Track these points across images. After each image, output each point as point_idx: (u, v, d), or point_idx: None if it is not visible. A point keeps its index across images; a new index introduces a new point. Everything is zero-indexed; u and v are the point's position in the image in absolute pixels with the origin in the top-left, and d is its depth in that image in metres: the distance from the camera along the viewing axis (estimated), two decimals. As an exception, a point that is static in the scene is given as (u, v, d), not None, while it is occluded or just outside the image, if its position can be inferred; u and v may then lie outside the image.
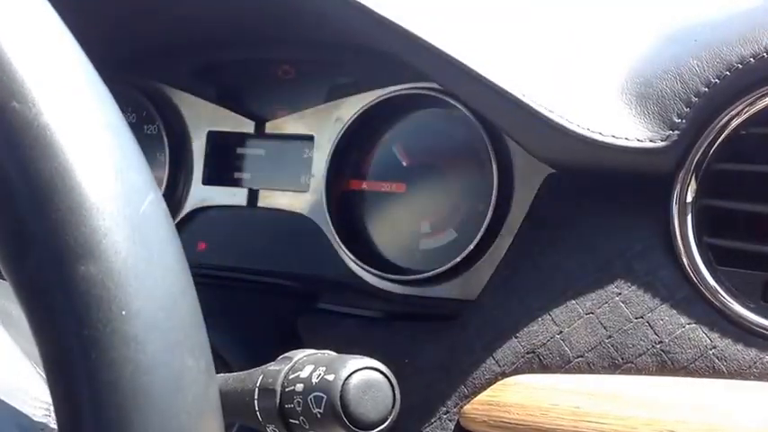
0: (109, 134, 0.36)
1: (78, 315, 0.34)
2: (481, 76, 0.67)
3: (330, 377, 0.53)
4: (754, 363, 0.62)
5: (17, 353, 0.50)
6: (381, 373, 0.54)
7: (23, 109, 0.34)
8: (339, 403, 0.52)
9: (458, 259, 0.80)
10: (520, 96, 0.67)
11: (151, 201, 0.36)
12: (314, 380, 0.53)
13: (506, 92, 0.67)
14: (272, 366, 0.57)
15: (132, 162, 0.36)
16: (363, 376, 0.53)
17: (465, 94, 0.76)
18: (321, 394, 0.53)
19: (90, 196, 0.34)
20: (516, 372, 0.68)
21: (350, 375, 0.53)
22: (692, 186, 0.66)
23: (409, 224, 0.87)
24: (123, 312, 0.34)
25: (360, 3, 0.67)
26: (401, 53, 0.73)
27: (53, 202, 0.34)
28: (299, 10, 0.78)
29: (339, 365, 0.53)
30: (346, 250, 0.86)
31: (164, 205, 0.37)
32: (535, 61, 0.71)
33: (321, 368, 0.54)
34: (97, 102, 0.36)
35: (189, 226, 0.97)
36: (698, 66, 0.65)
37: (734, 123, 0.65)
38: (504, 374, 0.69)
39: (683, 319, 0.64)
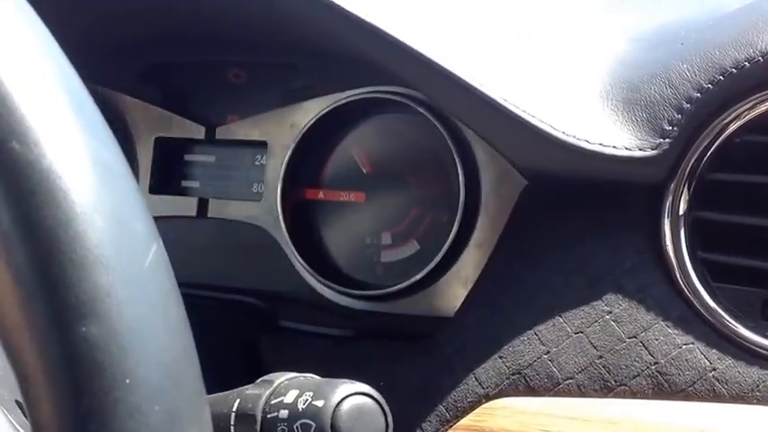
0: (113, 180, 0.32)
1: (78, 382, 0.30)
2: (463, 80, 0.60)
3: (319, 403, 0.48)
4: (757, 386, 0.56)
5: None
6: (373, 398, 0.49)
7: (25, 150, 0.30)
8: (330, 431, 0.47)
9: (422, 273, 0.73)
10: (501, 102, 0.60)
11: (155, 253, 0.32)
12: (300, 406, 0.48)
13: (488, 97, 0.60)
14: (249, 390, 0.51)
15: (136, 211, 0.32)
16: (355, 402, 0.48)
17: (442, 99, 0.69)
18: (309, 422, 0.47)
19: (93, 249, 0.30)
20: (501, 394, 0.61)
21: (340, 401, 0.48)
22: (685, 197, 0.59)
23: (369, 236, 0.79)
24: (127, 381, 0.30)
25: (331, 1, 0.60)
26: (374, 55, 0.66)
27: (54, 255, 0.30)
28: (259, 10, 0.70)
29: (328, 391, 0.48)
30: (303, 263, 0.78)
31: (166, 256, 0.33)
32: (517, 66, 0.64)
33: (308, 393, 0.48)
34: (101, 145, 0.32)
35: (134, 237, 0.87)
36: (688, 70, 0.59)
37: (729, 130, 0.58)
38: (487, 397, 0.61)
39: (679, 339, 0.58)
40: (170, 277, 0.33)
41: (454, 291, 0.72)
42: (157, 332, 0.31)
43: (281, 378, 0.50)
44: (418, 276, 0.73)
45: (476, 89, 0.60)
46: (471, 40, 0.64)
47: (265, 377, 0.50)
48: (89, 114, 0.32)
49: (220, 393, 0.51)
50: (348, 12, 0.61)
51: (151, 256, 0.32)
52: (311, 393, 0.47)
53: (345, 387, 0.48)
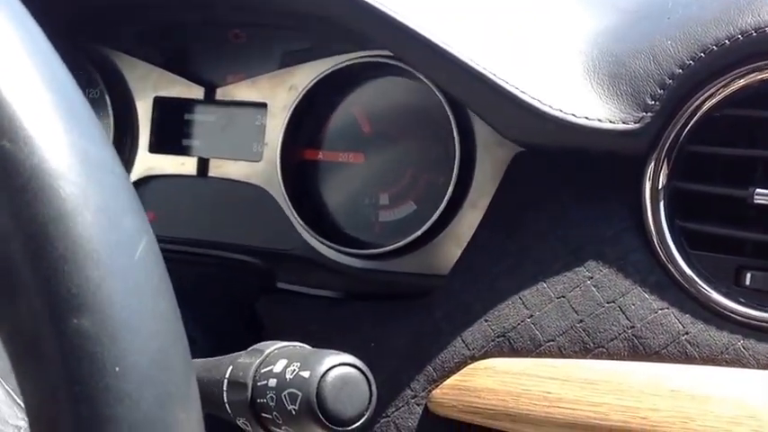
0: (103, 175, 0.33)
1: (70, 371, 0.31)
2: (451, 54, 0.63)
3: (305, 374, 0.51)
4: (726, 348, 0.60)
5: None
6: (358, 368, 0.52)
7: (15, 149, 0.31)
8: (315, 400, 0.50)
9: (418, 233, 0.77)
10: (491, 76, 0.63)
11: (145, 246, 0.33)
12: (288, 375, 0.51)
13: (477, 71, 0.63)
14: (241, 358, 0.54)
15: (127, 205, 0.33)
16: (339, 373, 0.51)
17: (429, 69, 0.72)
18: (296, 391, 0.50)
19: (84, 244, 0.32)
20: (486, 355, 0.65)
21: (326, 372, 0.50)
22: (665, 169, 0.63)
23: (367, 196, 0.82)
24: (117, 368, 0.31)
25: None
26: (366, 29, 0.68)
27: (45, 249, 0.31)
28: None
29: (314, 362, 0.51)
30: (302, 222, 0.82)
31: (157, 248, 0.34)
32: (504, 40, 0.67)
33: (295, 363, 0.51)
34: (91, 141, 0.33)
35: (136, 195, 0.91)
36: (672, 47, 0.62)
37: (707, 105, 0.62)
38: (473, 358, 0.66)
39: (655, 304, 0.62)
40: (160, 268, 0.34)
41: (449, 249, 0.76)
42: (147, 322, 0.33)
43: (271, 347, 0.53)
44: (415, 235, 0.77)
45: (465, 64, 0.63)
46: (460, 16, 0.66)
47: (256, 346, 0.53)
48: (79, 112, 0.33)
49: (214, 359, 0.54)
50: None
51: (140, 249, 0.33)
52: (298, 364, 0.50)
53: (331, 358, 0.50)
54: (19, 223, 0.31)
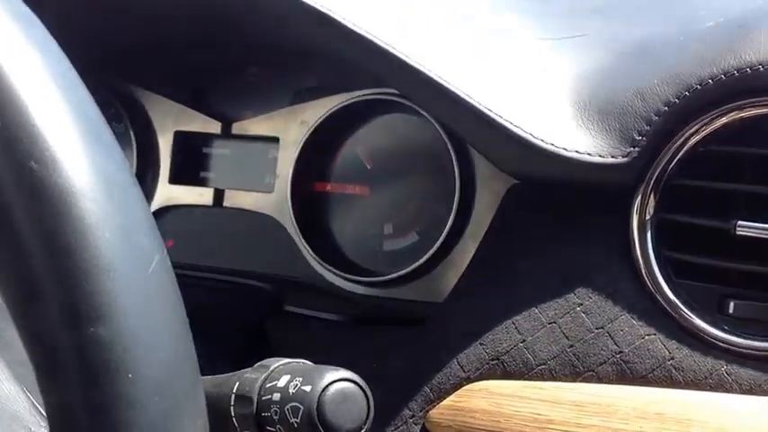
0: (121, 195, 0.35)
1: (86, 377, 0.33)
2: (446, 87, 0.66)
3: (307, 388, 0.53)
4: (710, 374, 0.63)
5: (8, 378, 0.50)
6: (356, 384, 0.54)
7: (41, 169, 0.34)
8: (316, 413, 0.53)
9: (420, 262, 0.80)
10: (484, 110, 0.66)
11: (158, 261, 0.36)
12: (291, 390, 0.54)
13: (472, 105, 0.66)
14: (248, 374, 0.57)
15: (142, 222, 0.36)
16: (339, 387, 0.53)
17: (428, 104, 0.76)
18: (298, 404, 0.53)
19: (102, 258, 0.34)
20: (481, 377, 0.68)
21: (326, 387, 0.53)
22: (652, 201, 0.66)
23: (373, 226, 0.86)
24: (129, 375, 0.34)
25: (314, 7, 0.66)
26: (363, 61, 0.72)
27: (66, 263, 0.33)
28: (258, 16, 0.77)
29: (316, 376, 0.54)
30: (310, 250, 0.85)
31: (169, 264, 0.37)
32: (496, 74, 0.71)
33: (298, 378, 0.54)
34: (111, 163, 0.36)
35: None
36: (658, 85, 0.65)
37: (692, 141, 0.65)
38: (468, 380, 0.69)
39: (642, 331, 0.65)
40: (172, 282, 0.36)
41: (449, 278, 0.79)
42: (158, 333, 0.35)
43: (276, 363, 0.55)
44: (416, 264, 0.80)
45: (463, 99, 0.67)
46: (455, 51, 0.70)
47: (262, 362, 0.56)
48: (101, 136, 0.36)
49: (223, 375, 0.57)
50: (336, 20, 0.66)
51: (154, 264, 0.35)
52: (301, 378, 0.53)
53: (331, 373, 0.53)
54: (42, 237, 0.33)
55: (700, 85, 0.64)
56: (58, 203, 0.34)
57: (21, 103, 0.34)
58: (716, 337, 0.64)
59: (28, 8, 0.37)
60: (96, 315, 0.33)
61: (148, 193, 0.95)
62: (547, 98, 0.69)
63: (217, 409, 0.57)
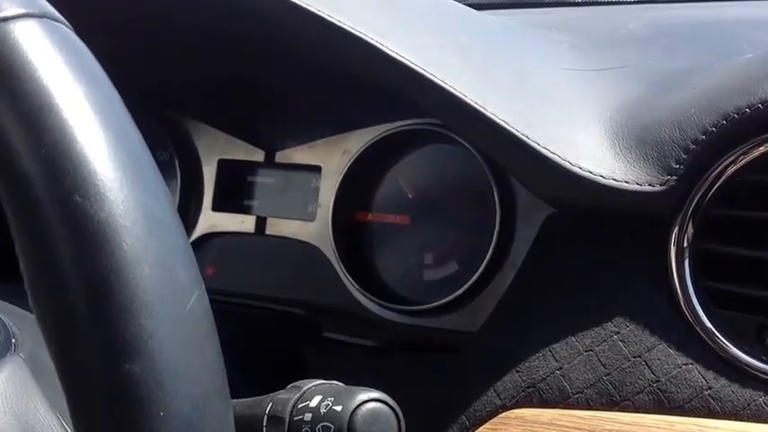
0: (162, 230, 0.36)
1: (119, 412, 0.34)
2: (485, 116, 0.68)
3: (338, 408, 0.54)
4: (748, 404, 0.63)
5: (43, 404, 0.51)
6: (388, 405, 0.56)
7: (85, 204, 0.35)
8: None
9: (459, 292, 0.81)
10: (522, 137, 0.68)
11: (196, 298, 0.36)
12: (322, 410, 0.55)
13: (511, 133, 0.68)
14: (281, 395, 0.58)
15: (181, 258, 0.37)
16: (370, 408, 0.55)
17: (468, 132, 0.78)
18: (329, 424, 0.54)
19: (141, 295, 0.35)
20: (516, 405, 0.69)
21: (357, 407, 0.54)
22: (690, 230, 0.67)
23: (413, 255, 0.88)
24: (161, 413, 0.34)
25: (366, 40, 0.68)
26: (404, 90, 0.74)
27: (106, 299, 0.34)
28: (302, 47, 0.79)
29: (347, 397, 0.55)
30: (351, 279, 0.87)
31: (206, 300, 0.37)
32: (534, 103, 0.72)
33: (329, 398, 0.55)
34: (154, 198, 0.37)
35: (198, 251, 0.97)
36: (696, 114, 0.66)
37: (730, 170, 0.66)
38: (504, 407, 0.69)
39: (679, 360, 0.65)
40: (208, 319, 0.37)
41: (488, 308, 0.80)
42: (193, 370, 0.35)
43: (308, 384, 0.57)
44: (455, 294, 0.82)
45: (503, 127, 0.68)
46: (495, 81, 0.72)
47: (295, 383, 0.57)
48: (145, 171, 0.37)
49: (257, 397, 0.58)
50: (379, 48, 0.68)
51: (192, 301, 0.36)
52: (332, 399, 0.54)
53: (363, 394, 0.54)
54: (84, 272, 0.34)
55: (737, 113, 0.65)
56: (100, 239, 0.34)
57: (68, 135, 0.35)
58: (754, 368, 0.64)
59: (80, 40, 0.39)
60: (132, 352, 0.34)
61: (192, 221, 0.98)
62: (584, 127, 0.70)
63: (250, 431, 0.59)
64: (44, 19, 0.38)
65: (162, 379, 0.34)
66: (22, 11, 0.37)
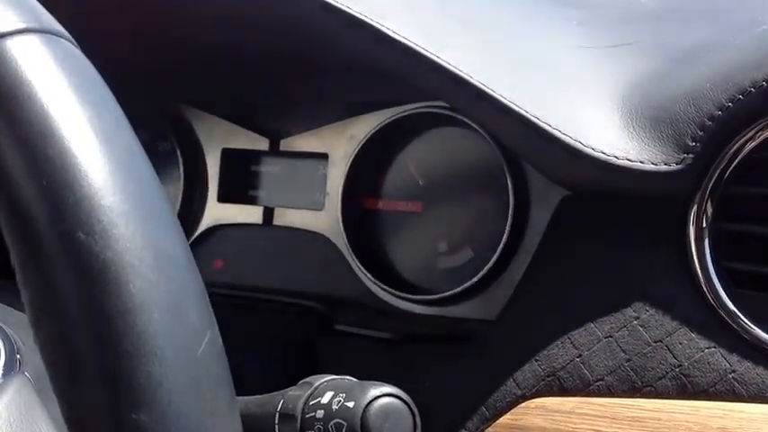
0: (173, 271, 0.35)
1: None
2: (494, 97, 0.69)
3: (350, 404, 0.56)
4: (773, 386, 0.64)
5: (52, 430, 0.51)
6: (401, 399, 0.57)
7: (89, 241, 0.34)
8: (360, 430, 0.55)
9: (475, 279, 0.83)
10: (533, 119, 0.69)
11: (209, 340, 0.36)
12: (334, 406, 0.56)
13: (521, 114, 0.69)
14: (292, 391, 0.60)
15: (193, 299, 0.36)
16: (383, 403, 0.56)
17: (477, 115, 0.79)
18: (341, 421, 0.56)
19: (149, 340, 0.34)
20: (537, 394, 0.71)
21: (370, 402, 0.56)
22: (709, 210, 0.68)
23: (426, 243, 0.89)
24: None
25: (367, 22, 0.69)
26: (408, 72, 0.75)
27: (112, 344, 0.33)
28: (308, 32, 0.81)
29: (359, 392, 0.56)
30: (363, 269, 0.89)
31: (219, 341, 0.37)
32: (545, 83, 0.74)
33: (341, 394, 0.57)
34: (164, 235, 0.36)
35: (205, 244, 1.00)
36: (711, 89, 0.68)
37: (748, 147, 0.67)
38: (524, 397, 0.71)
39: (702, 343, 0.67)
40: (221, 363, 0.36)
41: (505, 295, 0.81)
42: (204, 418, 0.34)
43: (320, 380, 0.58)
44: (471, 282, 0.83)
45: (512, 109, 0.69)
46: (503, 62, 0.73)
47: (306, 379, 0.59)
48: (155, 205, 0.35)
49: (268, 394, 0.60)
50: (386, 34, 0.70)
51: (204, 345, 0.35)
52: (344, 395, 0.55)
53: (375, 389, 0.55)
54: (87, 315, 0.33)
55: (753, 87, 0.66)
56: (105, 279, 0.33)
57: (71, 165, 0.34)
58: (779, 349, 0.65)
59: (84, 57, 0.38)
60: (139, 401, 0.33)
61: (196, 213, 1.00)
62: (597, 107, 0.71)
63: (262, 429, 0.60)
64: (46, 34, 0.36)
65: (171, 428, 0.34)
66: (21, 26, 0.36)
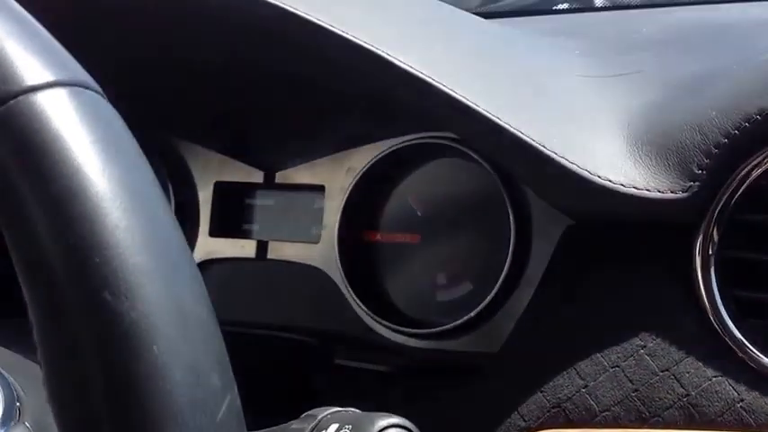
0: (196, 332, 0.36)
1: None
2: (500, 125, 0.71)
3: None
4: (783, 415, 0.66)
5: None
6: (409, 430, 0.58)
7: (116, 302, 0.34)
8: None
9: (476, 311, 0.84)
10: (539, 147, 0.71)
11: (228, 404, 0.36)
12: None
13: (526, 142, 0.71)
14: (295, 425, 0.60)
15: (216, 362, 0.36)
16: None
17: (481, 143, 0.81)
18: None
19: (170, 405, 0.34)
20: (542, 426, 0.72)
21: None
22: (715, 237, 0.70)
23: (425, 276, 0.90)
24: None
25: (369, 49, 0.71)
26: (413, 100, 0.76)
27: (132, 408, 0.33)
28: (308, 61, 0.82)
29: (366, 423, 0.57)
30: (360, 304, 0.90)
31: (238, 403, 0.37)
32: (550, 111, 0.75)
33: (347, 426, 0.57)
34: (189, 295, 0.36)
35: (196, 279, 1.00)
36: (717, 117, 0.69)
37: (755, 174, 0.69)
38: (529, 429, 0.72)
39: (709, 372, 0.68)
40: (240, 426, 0.36)
41: (507, 328, 0.82)
42: None
43: (323, 412, 0.58)
44: (471, 315, 0.84)
45: (518, 136, 0.71)
46: (508, 90, 0.75)
47: (310, 412, 0.59)
48: (180, 260, 0.36)
49: (269, 429, 0.60)
50: (390, 60, 0.71)
51: (224, 407, 0.35)
52: (350, 426, 0.56)
53: (382, 420, 0.56)
54: (111, 378, 0.33)
55: (760, 115, 0.68)
56: (129, 341, 0.33)
57: (98, 224, 0.34)
58: (787, 377, 0.67)
59: (114, 111, 0.37)
60: None
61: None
62: (602, 135, 0.73)
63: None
64: (75, 87, 0.36)
65: None
66: (51, 79, 0.36)
